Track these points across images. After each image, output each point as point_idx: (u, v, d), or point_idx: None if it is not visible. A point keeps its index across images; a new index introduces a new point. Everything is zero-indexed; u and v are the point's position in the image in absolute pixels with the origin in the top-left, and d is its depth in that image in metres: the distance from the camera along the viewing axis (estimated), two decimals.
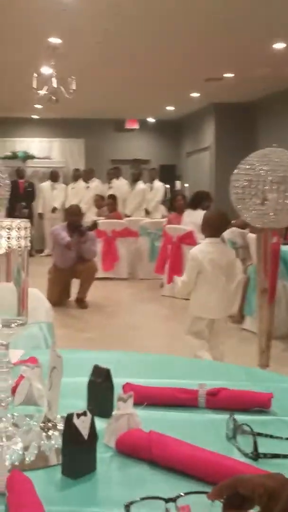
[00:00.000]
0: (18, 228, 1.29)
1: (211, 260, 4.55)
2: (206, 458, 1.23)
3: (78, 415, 1.21)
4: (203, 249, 4.65)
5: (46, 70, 10.30)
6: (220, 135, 14.94)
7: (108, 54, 9.93)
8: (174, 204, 9.98)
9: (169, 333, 6.87)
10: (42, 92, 9.77)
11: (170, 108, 15.88)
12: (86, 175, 14.74)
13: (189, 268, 4.65)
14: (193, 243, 8.50)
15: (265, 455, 1.32)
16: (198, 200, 9.02)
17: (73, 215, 8.20)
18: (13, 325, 1.32)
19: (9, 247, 1.28)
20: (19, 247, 1.30)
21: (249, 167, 3.61)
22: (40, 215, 14.81)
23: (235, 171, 3.65)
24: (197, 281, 4.59)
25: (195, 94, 13.87)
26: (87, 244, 7.99)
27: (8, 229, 1.28)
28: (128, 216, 12.61)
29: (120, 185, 14.07)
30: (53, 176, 14.95)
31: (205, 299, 4.59)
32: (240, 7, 7.51)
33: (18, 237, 1.29)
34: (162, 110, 16.15)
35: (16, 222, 1.30)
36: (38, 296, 2.66)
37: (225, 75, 11.60)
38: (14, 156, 15.51)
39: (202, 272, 4.56)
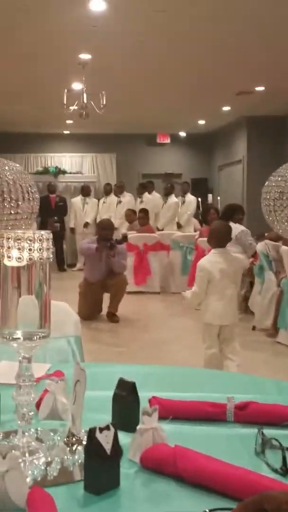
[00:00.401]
0: (40, 240, 1.28)
1: (219, 269, 4.78)
2: (233, 474, 1.20)
3: (101, 430, 1.19)
4: (211, 259, 4.88)
5: (76, 86, 10.38)
6: (252, 148, 14.88)
7: (139, 70, 9.96)
8: (207, 217, 9.95)
9: (202, 346, 6.81)
10: (73, 107, 9.83)
11: (201, 122, 15.87)
12: (118, 190, 14.75)
13: (199, 279, 4.85)
14: None
15: None
16: (230, 213, 8.91)
17: (104, 229, 8.20)
18: (35, 337, 1.30)
19: (30, 259, 1.27)
20: (41, 259, 1.28)
21: (280, 178, 3.56)
22: (72, 230, 14.81)
23: (266, 183, 3.61)
24: (207, 290, 4.82)
25: (226, 108, 13.85)
26: (117, 257, 7.98)
27: (30, 240, 1.27)
28: (160, 230, 12.61)
29: (152, 199, 14.09)
30: (84, 191, 14.95)
31: (214, 306, 4.81)
32: (270, 22, 7.49)
33: (40, 249, 1.28)
34: (194, 124, 16.15)
35: (38, 233, 1.28)
36: (66, 310, 2.65)
37: (256, 88, 11.57)
38: (45, 171, 15.60)
39: (211, 281, 4.79)
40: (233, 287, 4.88)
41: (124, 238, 8.29)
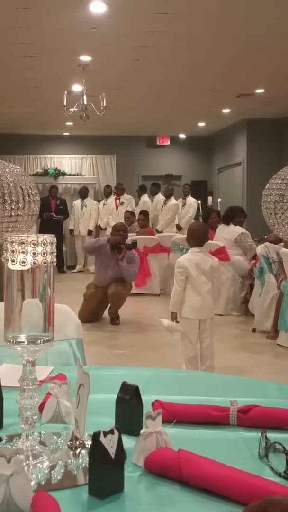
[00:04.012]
0: (44, 244, 1.27)
1: (196, 266, 5.08)
2: (237, 478, 1.20)
3: (105, 434, 1.19)
4: (188, 257, 5.20)
5: (76, 87, 10.39)
6: (252, 150, 14.89)
7: (140, 72, 9.96)
8: (209, 221, 9.93)
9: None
10: (73, 109, 9.84)
11: (201, 124, 15.89)
12: (117, 192, 14.71)
13: (177, 275, 5.14)
14: (226, 258, 8.44)
15: None
16: (231, 216, 8.95)
17: (118, 230, 7.99)
18: (39, 341, 1.30)
19: (34, 263, 1.26)
20: (45, 262, 1.28)
21: (281, 181, 3.55)
22: (71, 231, 14.80)
23: (267, 186, 3.61)
24: (185, 286, 5.10)
25: (226, 110, 13.86)
26: (127, 264, 7.83)
27: (34, 244, 1.26)
28: (159, 232, 12.59)
29: (153, 201, 14.14)
30: (82, 193, 14.91)
31: (192, 302, 5.09)
32: (270, 24, 7.50)
33: (44, 253, 1.27)
34: (194, 126, 16.17)
35: (42, 237, 1.28)
36: (67, 313, 2.64)
37: (256, 90, 11.58)
38: (45, 173, 15.55)
39: (188, 278, 5.08)
40: (210, 284, 5.14)
41: (134, 244, 8.12)
